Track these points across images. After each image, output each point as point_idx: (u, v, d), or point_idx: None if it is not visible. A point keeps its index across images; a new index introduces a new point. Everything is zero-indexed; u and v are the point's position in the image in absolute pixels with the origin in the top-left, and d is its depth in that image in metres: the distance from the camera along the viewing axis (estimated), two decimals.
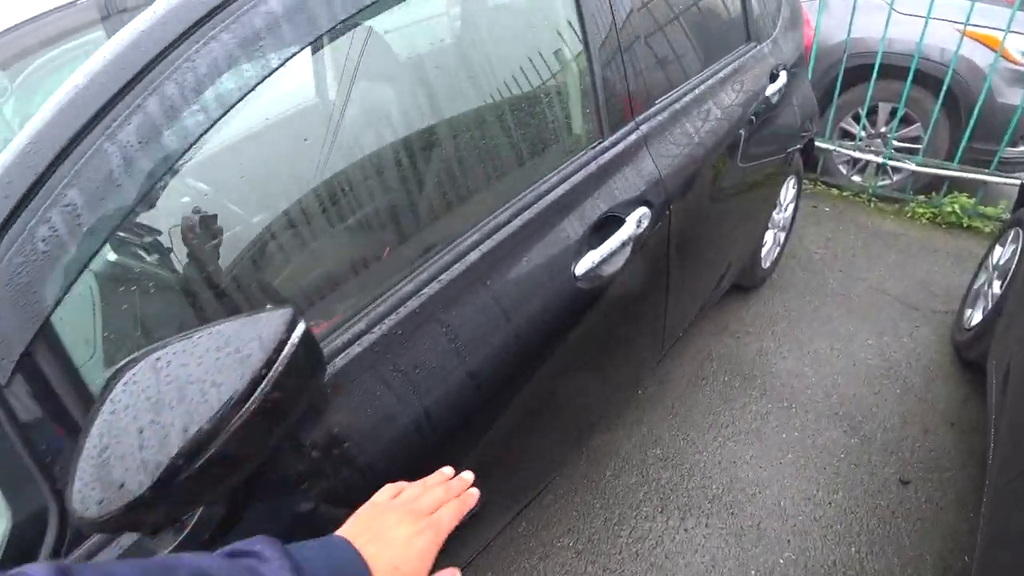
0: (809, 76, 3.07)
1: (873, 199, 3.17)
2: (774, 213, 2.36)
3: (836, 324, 2.34)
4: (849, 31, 2.88)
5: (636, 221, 1.22)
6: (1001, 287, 1.93)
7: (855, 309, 2.41)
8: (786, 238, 2.63)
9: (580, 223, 1.17)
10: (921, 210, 3.00)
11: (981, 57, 2.84)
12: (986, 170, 2.81)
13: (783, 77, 1.82)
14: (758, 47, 1.78)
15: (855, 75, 3.15)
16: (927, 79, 2.97)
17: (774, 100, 1.81)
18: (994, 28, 2.83)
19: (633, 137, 1.30)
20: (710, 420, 1.99)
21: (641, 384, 2.10)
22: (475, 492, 0.57)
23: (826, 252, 2.77)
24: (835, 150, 3.21)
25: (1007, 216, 2.78)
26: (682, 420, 2.00)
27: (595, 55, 1.20)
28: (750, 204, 1.94)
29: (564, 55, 1.27)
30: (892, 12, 2.84)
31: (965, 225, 2.89)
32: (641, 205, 1.26)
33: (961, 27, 2.67)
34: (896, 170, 3.17)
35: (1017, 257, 1.86)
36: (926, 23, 2.67)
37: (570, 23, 1.20)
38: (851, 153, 3.17)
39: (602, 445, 1.92)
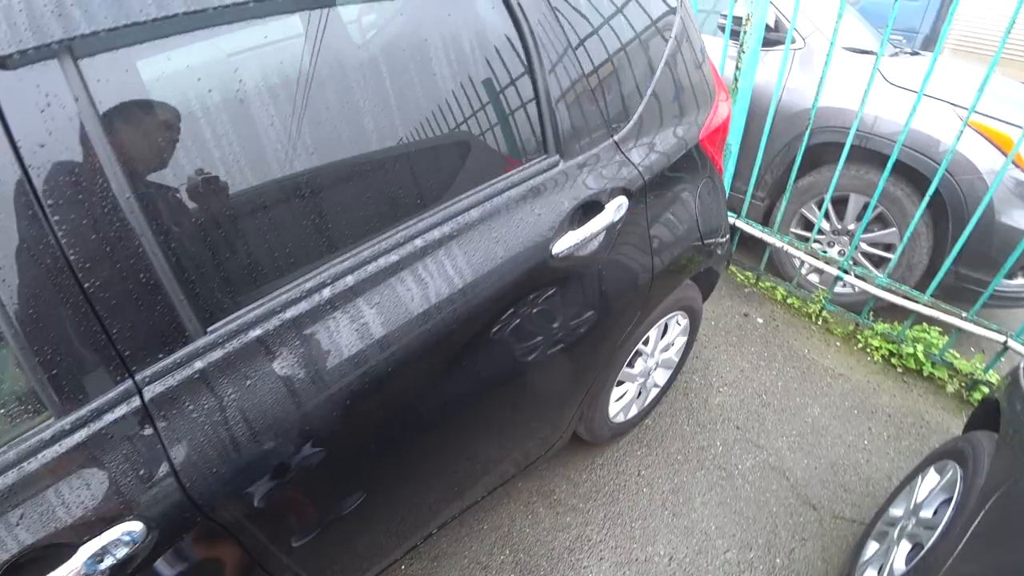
0: (762, 145, 2.38)
1: (823, 313, 2.48)
2: (638, 363, 1.74)
3: (695, 518, 1.72)
4: (817, 98, 2.17)
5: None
6: (909, 557, 1.29)
7: (730, 497, 1.78)
8: (672, 377, 2.00)
9: None
10: (876, 343, 2.31)
11: (986, 158, 2.11)
12: (965, 313, 2.10)
13: (613, 209, 1.19)
14: (563, 164, 1.14)
15: (823, 153, 2.45)
16: (912, 175, 2.26)
17: (591, 247, 1.19)
18: (1009, 123, 2.09)
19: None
20: None
21: (408, 555, 1.56)
22: None
23: (730, 396, 2.12)
24: (782, 247, 2.51)
25: (989, 382, 2.09)
26: None
27: None
28: (552, 375, 1.33)
29: None
30: (876, 79, 2.13)
31: (926, 374, 2.20)
32: None
33: (965, 114, 1.94)
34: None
35: (950, 514, 1.20)
36: (917, 101, 1.95)
37: None
38: (799, 255, 2.47)
39: None
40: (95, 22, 0.64)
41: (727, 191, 2.60)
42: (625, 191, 1.24)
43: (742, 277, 2.72)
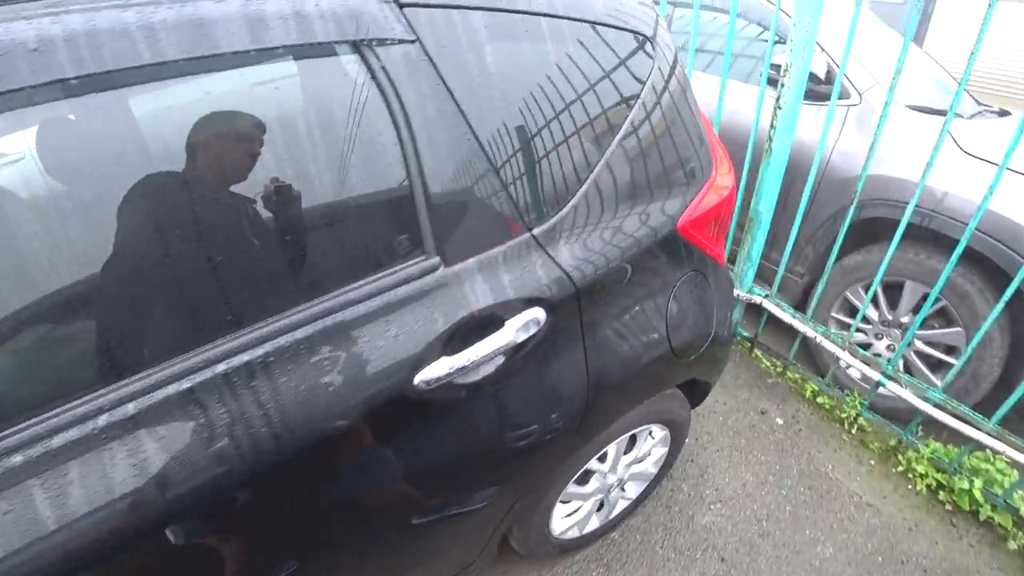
0: (798, 215, 2.02)
1: (859, 420, 2.07)
2: (592, 480, 1.46)
3: None
4: (867, 164, 1.79)
5: None
6: None
7: None
8: (649, 489, 1.68)
9: None
10: (922, 468, 1.88)
11: None
12: None
13: (516, 327, 0.94)
14: (444, 269, 0.90)
15: (879, 229, 2.05)
16: (987, 265, 1.83)
17: (483, 372, 0.94)
18: None
19: None
20: None
21: None
22: None
23: (722, 516, 1.77)
24: (814, 337, 2.12)
25: None
26: None
27: None
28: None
29: None
30: (947, 145, 1.73)
31: (983, 518, 1.76)
32: None
33: None
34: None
35: None
36: (998, 175, 1.55)
37: None
38: (834, 350, 2.07)
39: None
40: None
41: (756, 261, 2.24)
42: (542, 301, 0.98)
43: (767, 364, 2.34)
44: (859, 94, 2.11)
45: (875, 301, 2.12)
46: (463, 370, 0.90)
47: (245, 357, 0.76)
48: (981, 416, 1.76)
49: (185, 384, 0.74)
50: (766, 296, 2.26)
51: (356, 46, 0.80)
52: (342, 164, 0.83)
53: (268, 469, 0.78)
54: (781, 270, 2.21)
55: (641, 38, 1.14)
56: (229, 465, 0.75)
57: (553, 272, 0.99)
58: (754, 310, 2.29)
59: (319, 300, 0.81)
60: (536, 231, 0.98)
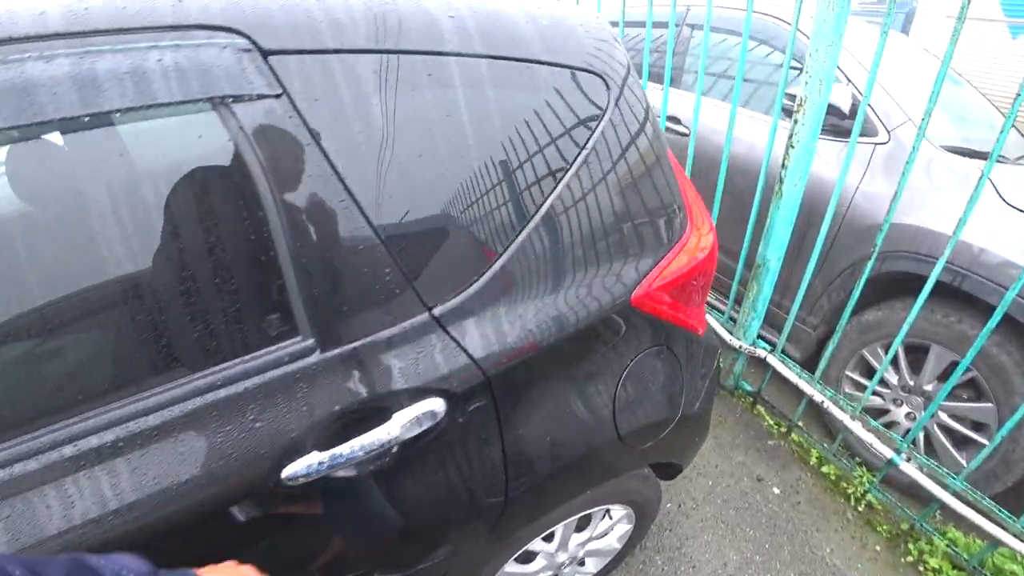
0: (810, 265, 1.82)
1: (868, 496, 1.85)
2: (538, 560, 1.32)
3: None
4: (891, 211, 1.57)
5: None
6: None
7: None
8: (614, 563, 1.52)
9: None
10: (935, 562, 1.65)
11: None
12: None
13: (404, 422, 0.81)
14: (321, 354, 0.78)
15: (906, 283, 1.82)
16: None
17: (364, 469, 0.82)
18: None
19: None
20: None
21: None
22: None
23: None
24: (821, 402, 1.90)
25: None
26: None
27: None
28: None
29: None
30: (987, 194, 1.52)
31: None
32: None
33: None
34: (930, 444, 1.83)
35: None
36: None
37: None
38: (842, 417, 1.85)
39: None
40: None
41: (763, 313, 2.03)
42: (443, 392, 0.85)
43: (770, 422, 2.13)
44: (887, 131, 1.89)
45: (895, 363, 1.88)
46: (338, 466, 0.78)
47: (93, 441, 0.67)
48: (1009, 514, 1.52)
49: (31, 464, 0.65)
50: (771, 350, 2.05)
51: (213, 104, 0.69)
52: (201, 237, 0.73)
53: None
54: (791, 321, 1.99)
55: (594, 78, 0.98)
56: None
57: (457, 359, 0.85)
58: (760, 360, 2.09)
59: (178, 383, 0.71)
60: (437, 310, 0.84)
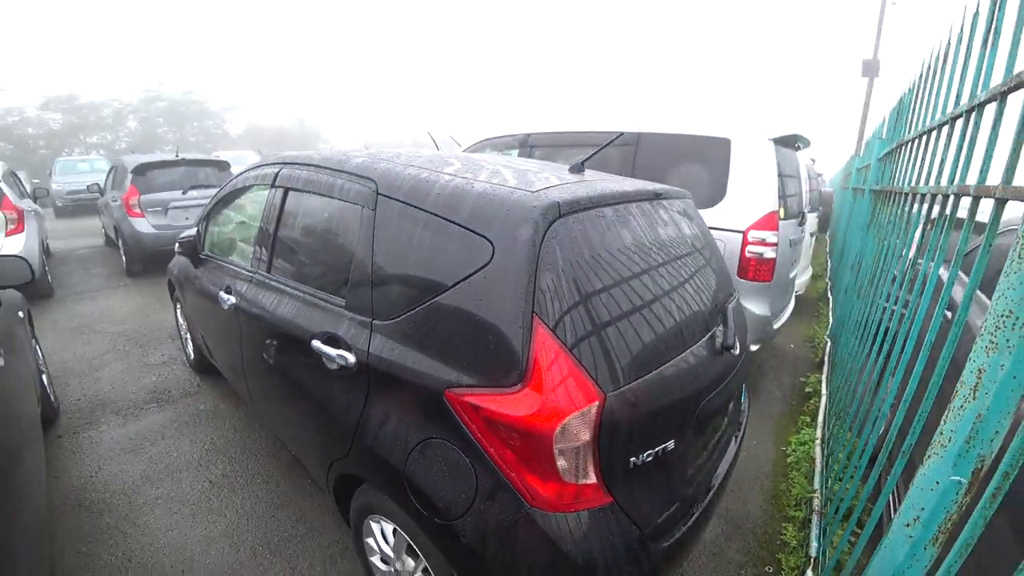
0: None
1: None
2: None
3: None
4: None
5: None
6: None
7: None
8: None
9: None
10: None
11: None
12: None
13: None
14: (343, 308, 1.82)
15: None
16: None
17: None
18: None
19: None
20: None
21: None
22: None
23: None
24: None
25: None
26: None
27: None
28: None
29: None
30: None
31: None
32: None
33: None
34: None
35: None
36: None
37: None
38: None
39: None
40: None
41: None
42: (356, 352, 1.71)
43: None
44: None
45: None
46: (322, 355, 1.83)
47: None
48: None
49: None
50: None
51: (357, 204, 1.85)
52: (319, 235, 1.92)
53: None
54: None
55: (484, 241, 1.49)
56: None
57: (365, 345, 1.70)
58: None
59: (300, 287, 1.96)
60: (375, 321, 1.72)
